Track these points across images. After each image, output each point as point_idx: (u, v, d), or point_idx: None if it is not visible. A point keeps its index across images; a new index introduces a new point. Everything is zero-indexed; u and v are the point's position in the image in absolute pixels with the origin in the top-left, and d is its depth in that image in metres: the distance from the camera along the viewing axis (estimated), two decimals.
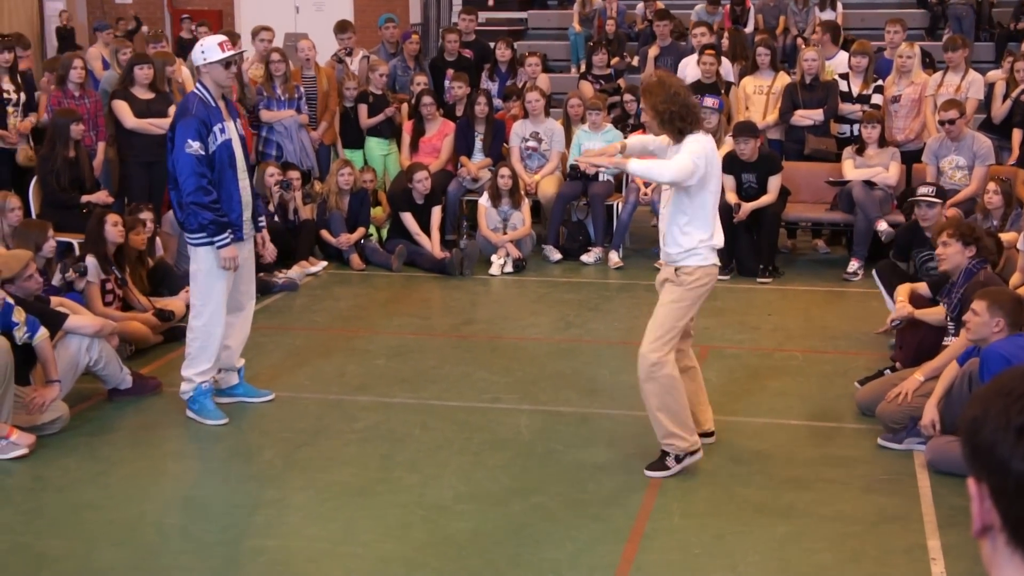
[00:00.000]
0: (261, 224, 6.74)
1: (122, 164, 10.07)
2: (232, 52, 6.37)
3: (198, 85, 6.41)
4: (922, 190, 8.63)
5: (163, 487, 5.80)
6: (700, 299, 5.76)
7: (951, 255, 6.57)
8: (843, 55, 11.43)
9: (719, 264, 5.85)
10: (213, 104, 6.33)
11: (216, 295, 6.44)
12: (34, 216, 9.36)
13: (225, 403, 6.68)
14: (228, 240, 6.32)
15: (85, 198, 9.32)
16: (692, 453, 5.73)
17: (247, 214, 6.52)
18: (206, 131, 6.23)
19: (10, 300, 6.01)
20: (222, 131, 6.30)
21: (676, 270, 5.71)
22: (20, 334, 6.06)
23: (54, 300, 6.83)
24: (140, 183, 9.84)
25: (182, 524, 5.32)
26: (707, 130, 5.79)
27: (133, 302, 7.92)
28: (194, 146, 6.19)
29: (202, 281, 6.44)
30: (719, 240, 5.75)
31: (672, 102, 5.47)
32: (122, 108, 9.81)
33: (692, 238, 5.67)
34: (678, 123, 5.51)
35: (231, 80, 6.54)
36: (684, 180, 5.48)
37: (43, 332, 6.15)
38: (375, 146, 11.45)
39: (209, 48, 6.33)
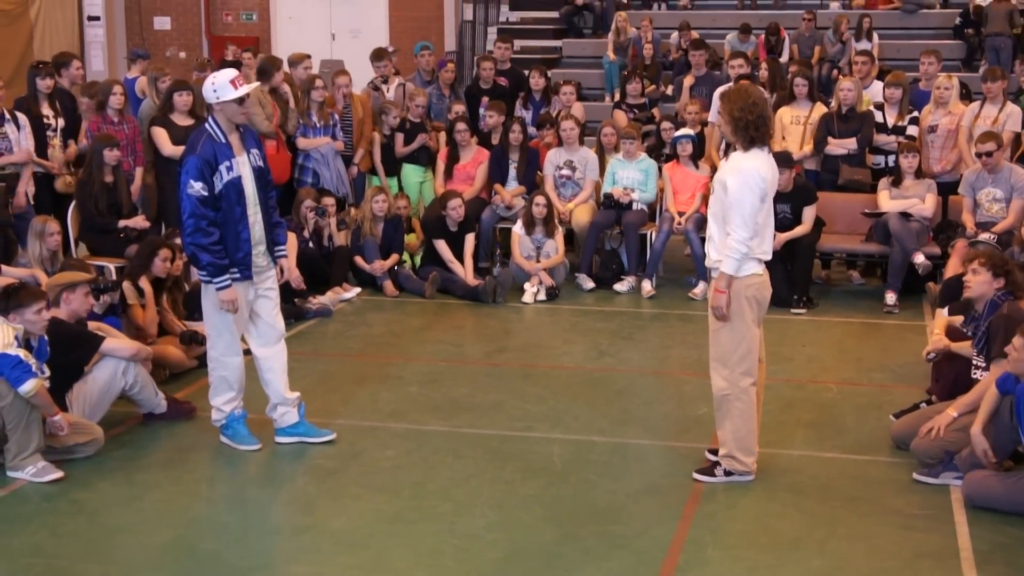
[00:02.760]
0: (280, 253, 6.61)
1: (160, 190, 10.15)
2: (245, 89, 6.27)
3: (209, 120, 6.31)
4: (983, 236, 8.58)
5: (197, 512, 5.82)
6: (747, 314, 5.81)
7: (978, 283, 6.54)
8: (878, 84, 11.41)
9: (761, 275, 5.86)
10: (223, 140, 6.24)
11: (228, 326, 6.43)
12: (72, 239, 9.48)
13: (287, 443, 6.62)
14: (227, 282, 6.25)
15: (123, 223, 9.41)
16: (743, 474, 5.98)
17: (259, 249, 6.42)
18: (210, 170, 6.15)
19: (17, 353, 5.98)
20: (230, 168, 6.21)
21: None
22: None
23: (91, 325, 6.88)
24: (177, 209, 9.89)
25: (216, 549, 5.34)
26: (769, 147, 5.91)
27: (169, 327, 7.98)
28: (196, 187, 6.14)
29: (212, 314, 6.44)
30: (762, 251, 5.81)
31: (749, 111, 5.73)
32: (160, 135, 9.89)
33: (726, 245, 5.77)
34: (751, 132, 5.76)
35: (244, 117, 6.40)
36: (751, 217, 5.70)
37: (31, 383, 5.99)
38: (411, 173, 11.50)
39: (221, 87, 6.20)
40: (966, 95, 12.20)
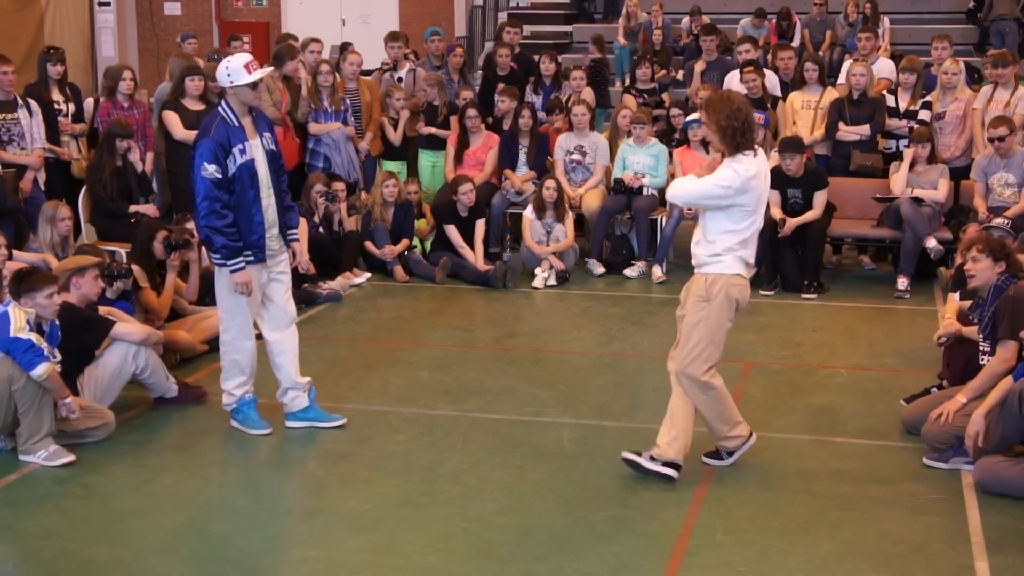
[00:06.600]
0: (292, 237, 6.62)
1: (171, 175, 10.16)
2: (259, 74, 6.26)
3: (223, 103, 6.33)
4: (996, 220, 8.54)
5: (207, 496, 5.84)
6: (728, 312, 5.77)
7: (981, 270, 6.49)
8: (884, 62, 11.39)
9: (746, 276, 5.81)
10: (236, 124, 6.25)
11: (241, 310, 6.43)
12: (83, 224, 9.50)
13: (297, 427, 6.62)
14: (242, 265, 6.27)
15: (132, 208, 9.41)
16: (744, 442, 6.02)
17: (272, 232, 6.43)
18: (224, 153, 6.16)
19: (30, 336, 5.99)
20: (243, 152, 6.23)
21: (704, 279, 5.77)
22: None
23: (102, 309, 6.90)
24: (189, 194, 9.90)
25: (226, 533, 5.35)
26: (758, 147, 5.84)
27: (177, 308, 8.00)
28: (209, 169, 6.15)
29: (226, 297, 6.44)
30: (748, 254, 5.77)
31: (735, 118, 5.65)
32: (172, 119, 9.91)
33: (719, 243, 5.74)
34: (739, 138, 5.68)
35: (257, 100, 6.42)
36: (697, 203, 5.77)
37: (44, 367, 6.00)
38: (424, 156, 11.50)
39: (235, 71, 6.21)
40: (977, 79, 12.14)
